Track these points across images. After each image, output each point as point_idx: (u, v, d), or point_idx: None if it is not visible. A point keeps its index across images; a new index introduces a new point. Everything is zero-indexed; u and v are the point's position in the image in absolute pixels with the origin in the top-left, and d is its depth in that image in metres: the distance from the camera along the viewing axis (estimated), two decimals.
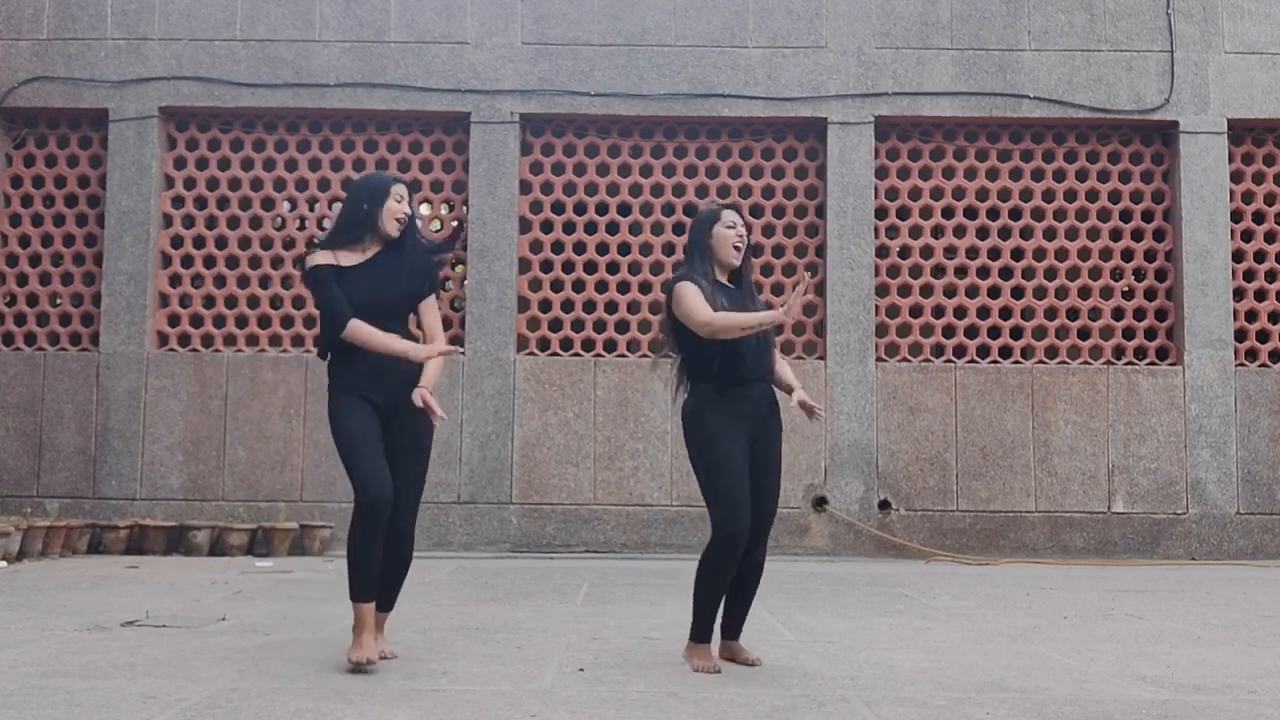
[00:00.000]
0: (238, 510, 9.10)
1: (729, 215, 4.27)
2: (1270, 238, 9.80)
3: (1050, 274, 9.73)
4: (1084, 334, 9.67)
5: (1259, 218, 9.81)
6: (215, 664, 4.03)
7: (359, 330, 4.08)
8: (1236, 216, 9.73)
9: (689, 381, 4.21)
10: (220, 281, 9.67)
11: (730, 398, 4.11)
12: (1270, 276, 9.75)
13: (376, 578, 4.06)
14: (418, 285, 4.25)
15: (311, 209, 9.78)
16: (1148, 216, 9.78)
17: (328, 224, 9.78)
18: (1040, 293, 9.71)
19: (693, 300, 4.08)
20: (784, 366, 4.36)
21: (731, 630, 4.27)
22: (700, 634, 4.12)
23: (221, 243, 9.71)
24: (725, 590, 4.13)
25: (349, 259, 4.17)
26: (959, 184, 9.74)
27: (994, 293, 9.73)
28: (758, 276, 9.38)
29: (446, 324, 9.32)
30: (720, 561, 4.01)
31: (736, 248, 4.23)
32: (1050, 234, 9.74)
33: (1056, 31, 9.68)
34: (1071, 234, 9.77)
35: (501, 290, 9.35)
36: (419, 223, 4.41)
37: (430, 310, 4.35)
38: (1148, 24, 9.69)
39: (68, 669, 3.88)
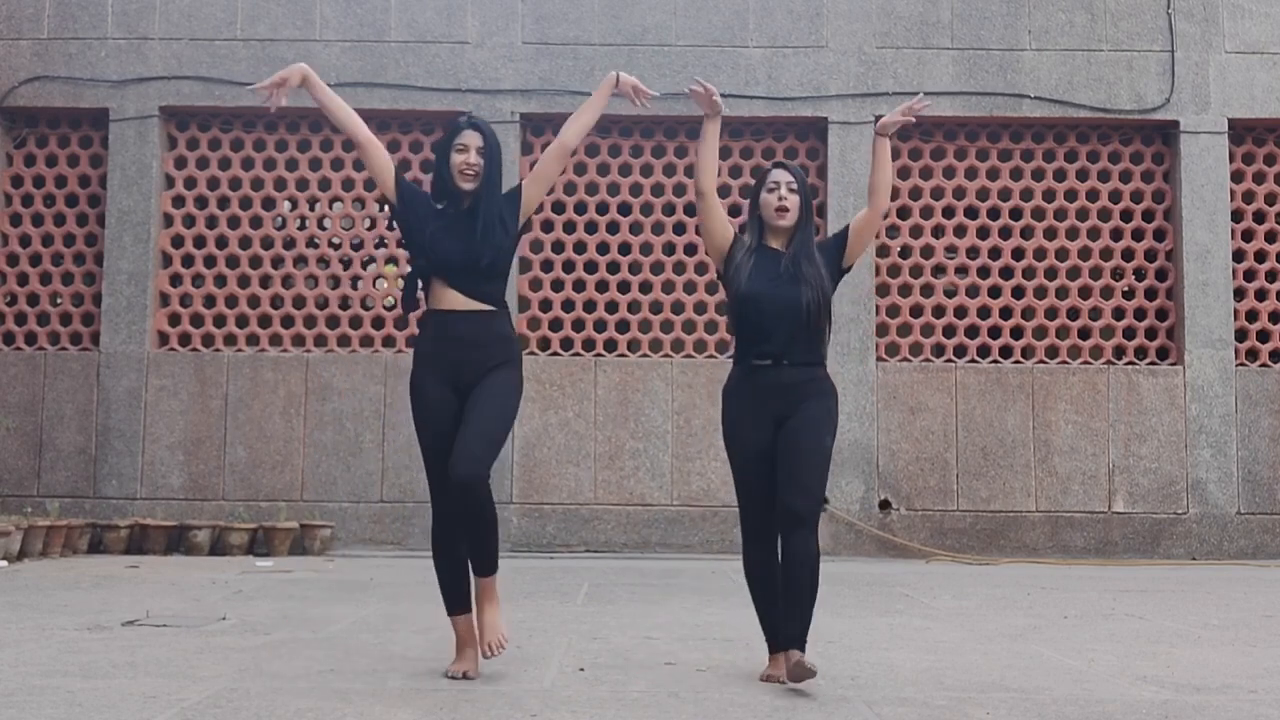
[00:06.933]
0: (238, 510, 9.09)
1: (772, 176, 4.02)
2: (1271, 238, 9.79)
3: (1051, 274, 9.72)
4: (1084, 334, 9.67)
5: (1259, 218, 9.80)
6: (216, 664, 4.02)
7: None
8: (1237, 216, 9.72)
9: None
10: (220, 281, 9.67)
11: (754, 381, 3.89)
12: (1271, 276, 9.74)
13: (462, 592, 3.91)
14: (476, 256, 3.84)
15: (312, 209, 9.77)
16: (1148, 216, 9.77)
17: (328, 224, 9.79)
18: (1041, 292, 9.70)
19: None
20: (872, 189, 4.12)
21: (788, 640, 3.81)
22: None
23: (222, 242, 9.70)
24: (755, 590, 3.98)
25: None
26: (959, 184, 9.74)
27: (994, 292, 9.73)
28: None
29: None
30: (745, 561, 3.99)
31: (780, 210, 3.95)
32: (1051, 234, 9.73)
33: (1057, 31, 9.67)
34: (1072, 234, 9.77)
35: None
36: (499, 177, 3.95)
37: None
38: (1148, 24, 9.69)
39: (68, 669, 3.88)
